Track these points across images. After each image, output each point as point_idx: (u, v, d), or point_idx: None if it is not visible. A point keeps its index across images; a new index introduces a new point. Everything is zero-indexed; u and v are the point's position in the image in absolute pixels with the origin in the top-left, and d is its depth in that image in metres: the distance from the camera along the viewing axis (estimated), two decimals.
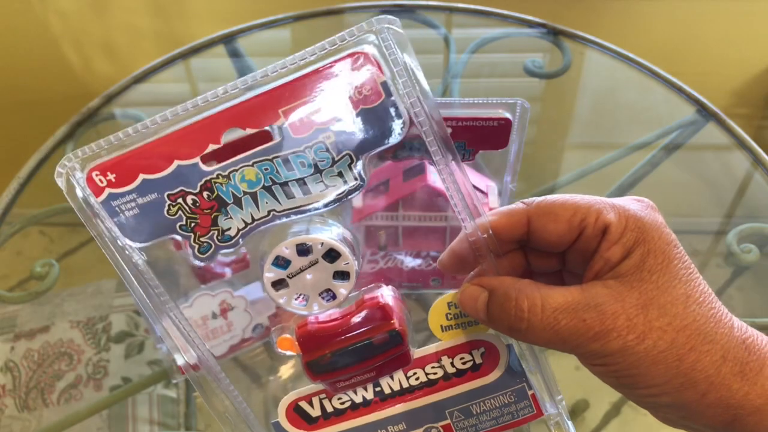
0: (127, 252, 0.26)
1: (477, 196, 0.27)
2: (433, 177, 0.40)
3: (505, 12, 0.74)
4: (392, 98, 0.25)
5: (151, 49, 0.99)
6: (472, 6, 0.75)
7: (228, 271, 0.43)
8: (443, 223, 0.42)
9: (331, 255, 0.29)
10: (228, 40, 0.73)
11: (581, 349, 0.25)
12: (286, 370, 0.48)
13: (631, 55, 0.70)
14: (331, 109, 0.25)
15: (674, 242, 0.26)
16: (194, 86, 0.73)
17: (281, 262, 0.29)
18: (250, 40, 0.73)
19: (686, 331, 0.24)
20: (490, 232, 0.27)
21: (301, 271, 0.29)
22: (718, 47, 0.95)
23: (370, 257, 0.44)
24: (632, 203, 0.27)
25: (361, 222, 0.42)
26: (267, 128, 0.26)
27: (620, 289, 0.25)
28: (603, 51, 0.71)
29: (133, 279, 0.27)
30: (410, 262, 0.44)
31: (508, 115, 0.36)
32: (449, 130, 0.35)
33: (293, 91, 0.25)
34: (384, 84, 0.25)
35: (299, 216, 0.27)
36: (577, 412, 0.52)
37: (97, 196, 0.26)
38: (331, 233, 0.29)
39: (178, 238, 0.27)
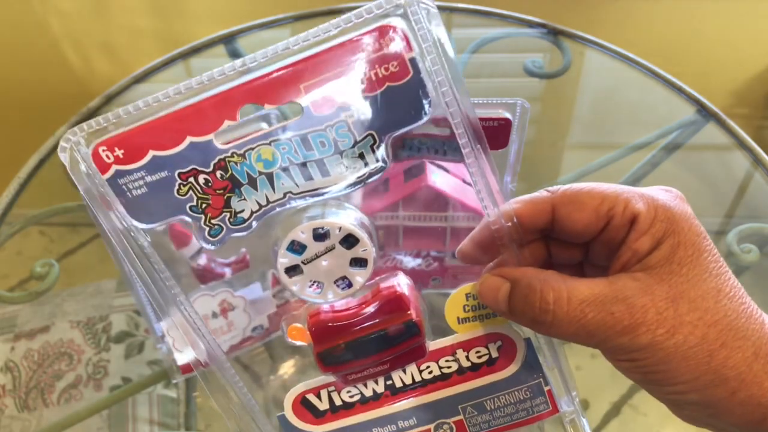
0: (132, 234, 0.25)
1: (502, 184, 0.26)
2: (434, 177, 0.40)
3: (505, 12, 0.74)
4: (420, 76, 0.24)
5: (151, 49, 0.99)
6: (472, 6, 0.74)
7: (228, 271, 0.43)
8: (443, 223, 0.42)
9: (349, 241, 0.27)
10: (228, 40, 0.73)
11: (608, 343, 0.24)
12: (286, 370, 0.48)
13: (631, 55, 0.70)
14: (355, 86, 0.24)
15: (704, 234, 0.25)
16: None
17: (296, 247, 0.27)
18: (250, 40, 0.73)
19: (717, 327, 0.24)
20: (515, 220, 0.26)
21: (317, 257, 0.28)
22: (718, 47, 0.95)
23: None
24: (661, 193, 0.26)
25: None
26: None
27: (649, 282, 0.24)
28: (603, 51, 0.71)
29: (139, 264, 0.25)
30: (410, 262, 0.44)
31: (508, 115, 0.36)
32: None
33: (316, 66, 0.23)
34: (412, 60, 0.23)
35: (316, 199, 0.26)
36: None
37: (103, 173, 0.24)
38: (348, 217, 0.28)
39: (188, 219, 0.25)
